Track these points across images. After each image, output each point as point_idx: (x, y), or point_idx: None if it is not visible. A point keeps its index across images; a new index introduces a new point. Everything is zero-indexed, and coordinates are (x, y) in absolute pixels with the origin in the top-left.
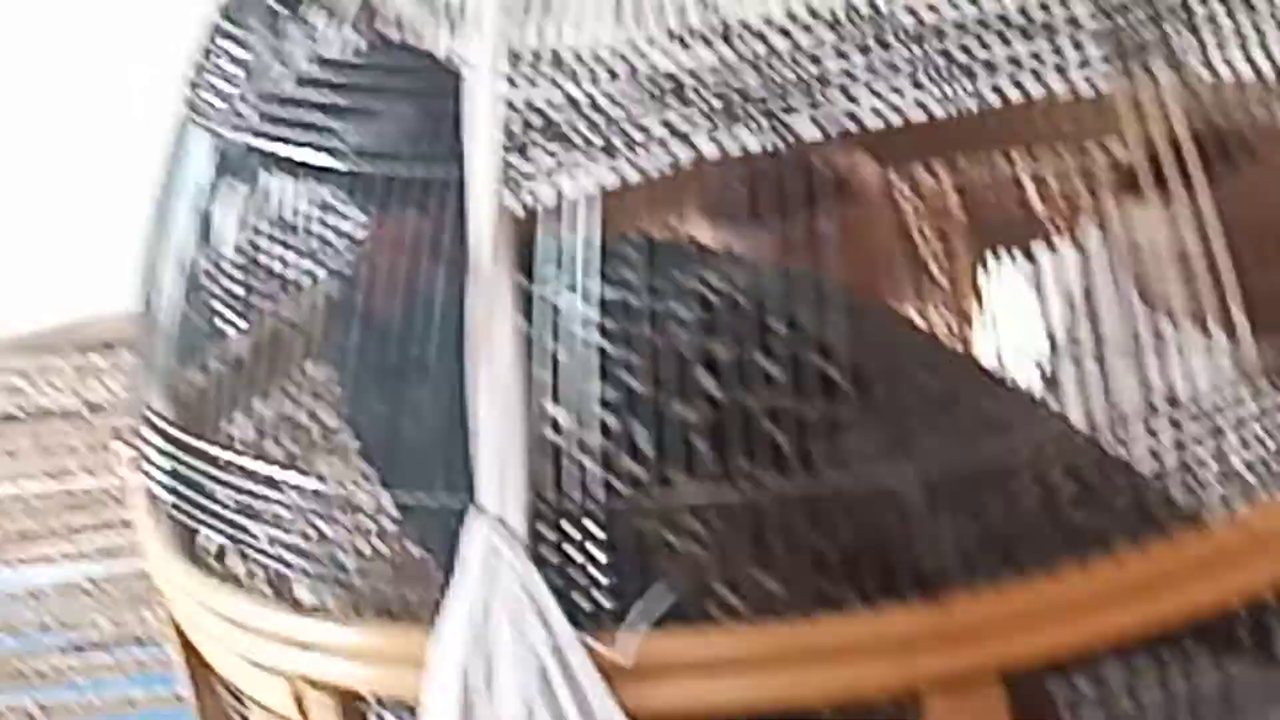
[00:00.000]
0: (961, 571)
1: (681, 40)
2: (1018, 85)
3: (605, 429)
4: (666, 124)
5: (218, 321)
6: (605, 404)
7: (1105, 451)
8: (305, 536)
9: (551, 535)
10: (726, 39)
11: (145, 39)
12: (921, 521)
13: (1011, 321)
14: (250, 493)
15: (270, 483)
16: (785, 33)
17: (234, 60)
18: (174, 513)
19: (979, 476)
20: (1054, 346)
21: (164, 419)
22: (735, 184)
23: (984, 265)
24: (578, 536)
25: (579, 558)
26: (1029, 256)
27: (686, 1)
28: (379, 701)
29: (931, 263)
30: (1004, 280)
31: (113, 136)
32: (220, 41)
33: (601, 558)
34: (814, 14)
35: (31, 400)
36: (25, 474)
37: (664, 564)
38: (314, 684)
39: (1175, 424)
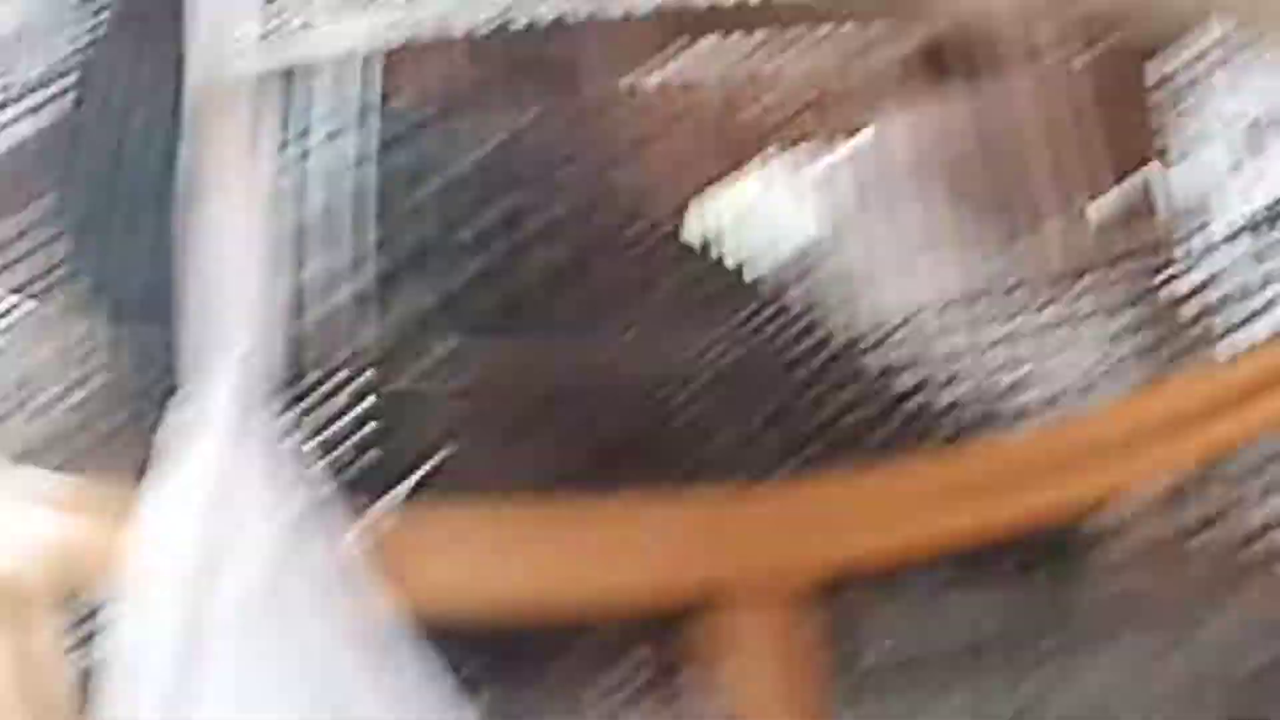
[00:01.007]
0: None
1: None
2: None
3: (362, 280)
4: None
5: None
6: (362, 253)
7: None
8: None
9: (303, 395)
10: None
11: None
12: (682, 407)
13: (776, 214)
14: None
15: None
16: None
17: None
18: None
19: (739, 366)
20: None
21: None
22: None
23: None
24: (331, 397)
25: (331, 420)
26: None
27: None
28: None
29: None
30: (769, 175)
31: None
32: None
33: (354, 420)
34: None
35: None
36: None
37: (421, 431)
38: None
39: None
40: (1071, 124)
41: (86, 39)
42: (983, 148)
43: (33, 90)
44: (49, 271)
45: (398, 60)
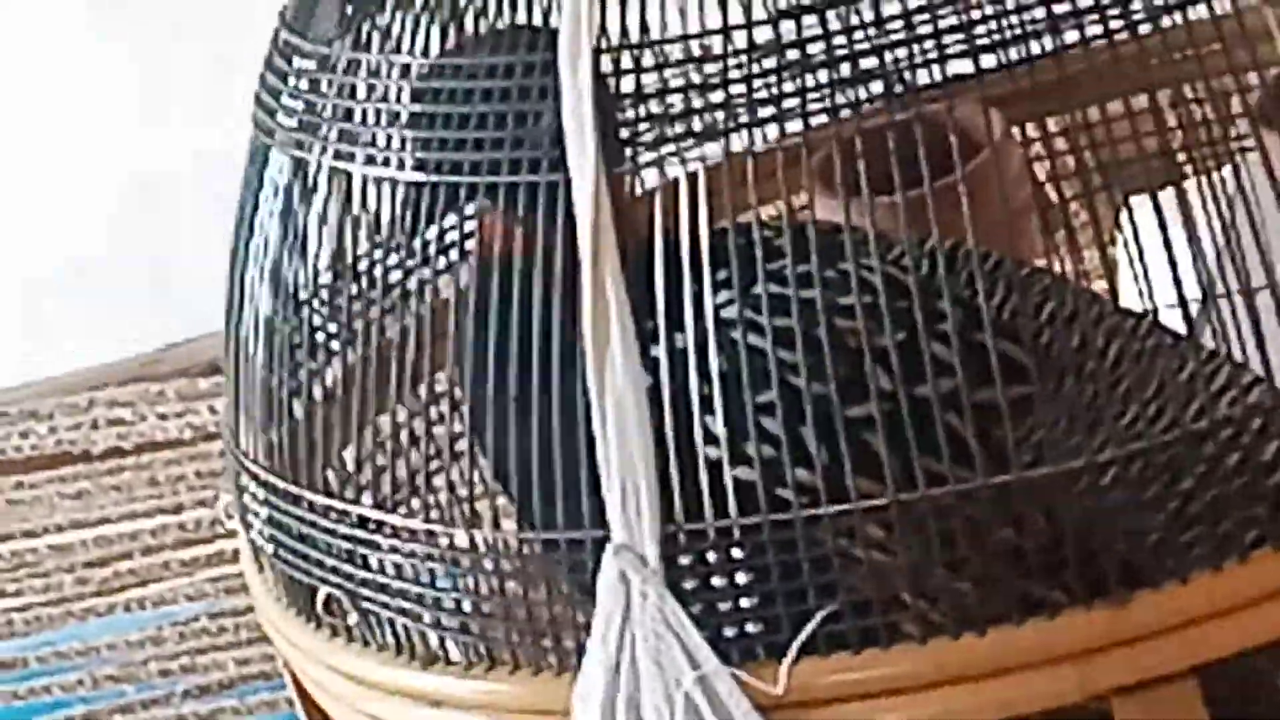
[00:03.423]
0: (1164, 558)
1: (785, 13)
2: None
3: (770, 437)
4: (774, 96)
5: (310, 351)
6: (767, 409)
7: None
8: (418, 581)
9: (692, 561)
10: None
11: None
12: (1122, 506)
13: (1147, 269)
14: (353, 538)
15: (374, 526)
16: None
17: (307, 73)
18: (277, 563)
19: (1180, 451)
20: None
21: (256, 463)
22: (856, 152)
23: (1115, 213)
24: (723, 560)
25: (723, 583)
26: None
27: None
28: None
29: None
30: (1136, 226)
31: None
32: (290, 55)
33: (748, 580)
34: None
35: (137, 430)
36: (136, 511)
37: (840, 577)
38: None
39: None
40: None
41: None
42: None
43: None
44: None
45: None
